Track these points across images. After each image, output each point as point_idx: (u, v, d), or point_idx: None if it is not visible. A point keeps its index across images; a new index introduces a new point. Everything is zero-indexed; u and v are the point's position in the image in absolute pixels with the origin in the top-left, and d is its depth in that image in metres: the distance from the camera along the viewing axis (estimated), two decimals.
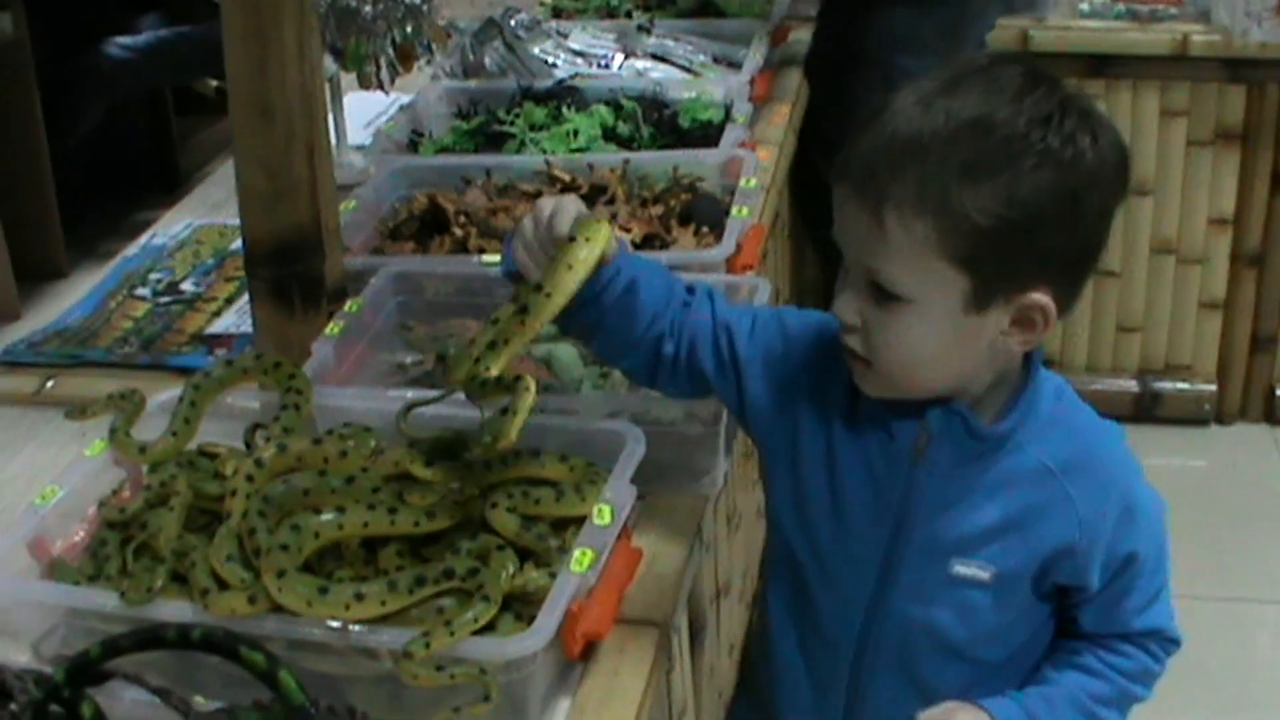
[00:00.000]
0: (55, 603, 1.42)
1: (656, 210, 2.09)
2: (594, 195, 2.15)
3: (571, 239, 1.42)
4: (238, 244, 2.34)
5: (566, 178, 2.20)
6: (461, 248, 2.03)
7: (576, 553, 1.36)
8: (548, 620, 1.29)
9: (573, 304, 1.43)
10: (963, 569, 1.41)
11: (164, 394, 1.65)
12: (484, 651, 1.29)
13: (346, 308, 1.83)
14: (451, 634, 1.28)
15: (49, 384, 2.01)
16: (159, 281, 2.28)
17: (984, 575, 1.40)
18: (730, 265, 1.92)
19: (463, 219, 2.06)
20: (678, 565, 1.53)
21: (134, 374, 1.95)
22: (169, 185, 2.75)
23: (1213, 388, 3.77)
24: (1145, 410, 3.71)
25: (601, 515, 1.41)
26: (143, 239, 2.45)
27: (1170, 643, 1.48)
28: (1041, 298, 1.30)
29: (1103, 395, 3.60)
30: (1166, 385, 3.76)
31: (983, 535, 1.40)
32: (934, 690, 1.47)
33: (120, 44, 2.77)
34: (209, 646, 1.18)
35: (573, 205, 1.46)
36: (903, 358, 1.33)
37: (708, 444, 1.66)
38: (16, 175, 2.30)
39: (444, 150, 2.43)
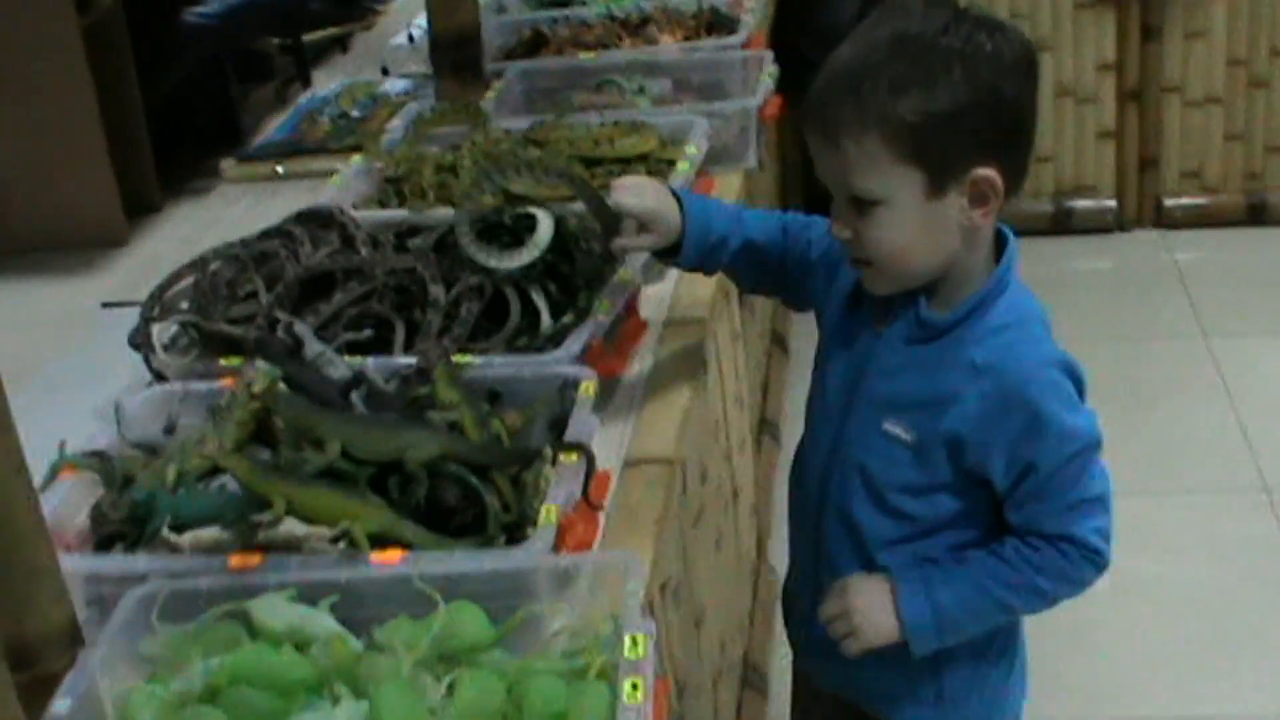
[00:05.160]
0: None
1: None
2: (644, 23, 3.07)
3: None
4: (383, 88, 3.25)
5: (621, 14, 3.12)
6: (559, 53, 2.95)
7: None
8: None
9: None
10: (890, 427, 1.60)
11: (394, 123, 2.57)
12: None
13: (495, 86, 2.75)
14: None
15: (279, 168, 2.91)
16: (334, 113, 3.18)
17: (906, 437, 1.59)
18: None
19: (556, 37, 2.99)
20: None
21: (344, 155, 2.82)
22: (232, 140, 3.05)
23: (1113, 203, 4.67)
24: (1061, 224, 4.65)
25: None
26: (305, 96, 3.35)
27: (1090, 551, 1.57)
28: (987, 172, 1.49)
29: (1026, 214, 4.51)
30: (1076, 203, 4.66)
31: (908, 404, 1.59)
32: (868, 533, 1.66)
33: (198, 11, 3.09)
34: None
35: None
36: (890, 249, 1.53)
37: None
38: (117, 125, 2.56)
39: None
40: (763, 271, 1.81)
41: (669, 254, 1.79)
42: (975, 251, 1.56)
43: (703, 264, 1.80)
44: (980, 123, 1.47)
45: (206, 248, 2.08)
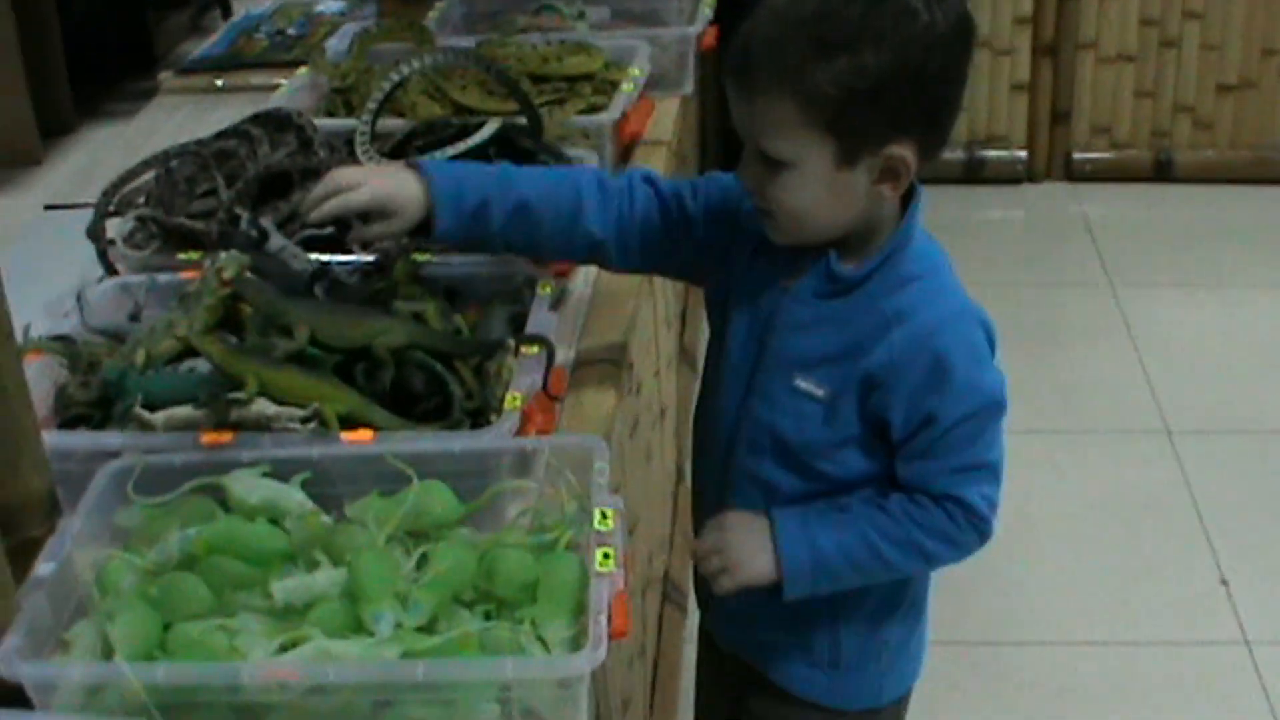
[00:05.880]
0: None
1: None
2: None
3: None
4: (318, 8, 3.27)
5: None
6: None
7: None
8: None
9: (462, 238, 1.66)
10: (802, 383, 1.55)
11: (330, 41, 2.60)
12: None
13: (436, 7, 2.78)
14: None
15: (218, 82, 2.92)
16: (270, 31, 3.19)
17: (819, 393, 1.54)
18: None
19: None
20: None
21: (283, 70, 2.84)
22: (144, 65, 3.09)
23: (1024, 154, 4.77)
24: (973, 173, 4.75)
25: None
26: (238, 15, 3.36)
27: (976, 516, 1.53)
28: (901, 150, 1.44)
29: (938, 162, 4.50)
30: (989, 153, 4.77)
31: (821, 359, 1.54)
32: (777, 491, 1.61)
33: None
34: None
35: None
36: (793, 209, 1.49)
37: None
38: (34, 45, 2.60)
39: None
40: (558, 235, 1.66)
41: (426, 231, 1.65)
42: (884, 210, 1.52)
43: (469, 234, 1.65)
44: (902, 99, 1.41)
45: (145, 155, 2.10)
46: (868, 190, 1.47)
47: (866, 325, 1.51)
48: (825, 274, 1.53)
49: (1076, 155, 4.76)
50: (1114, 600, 3.02)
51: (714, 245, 1.65)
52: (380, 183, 1.63)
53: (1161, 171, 4.74)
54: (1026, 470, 3.36)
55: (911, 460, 1.54)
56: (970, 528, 1.54)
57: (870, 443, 1.55)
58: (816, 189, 1.46)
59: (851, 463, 1.56)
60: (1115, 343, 3.92)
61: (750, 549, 1.58)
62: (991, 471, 1.54)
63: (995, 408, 1.53)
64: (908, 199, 1.54)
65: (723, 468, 1.66)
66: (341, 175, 1.65)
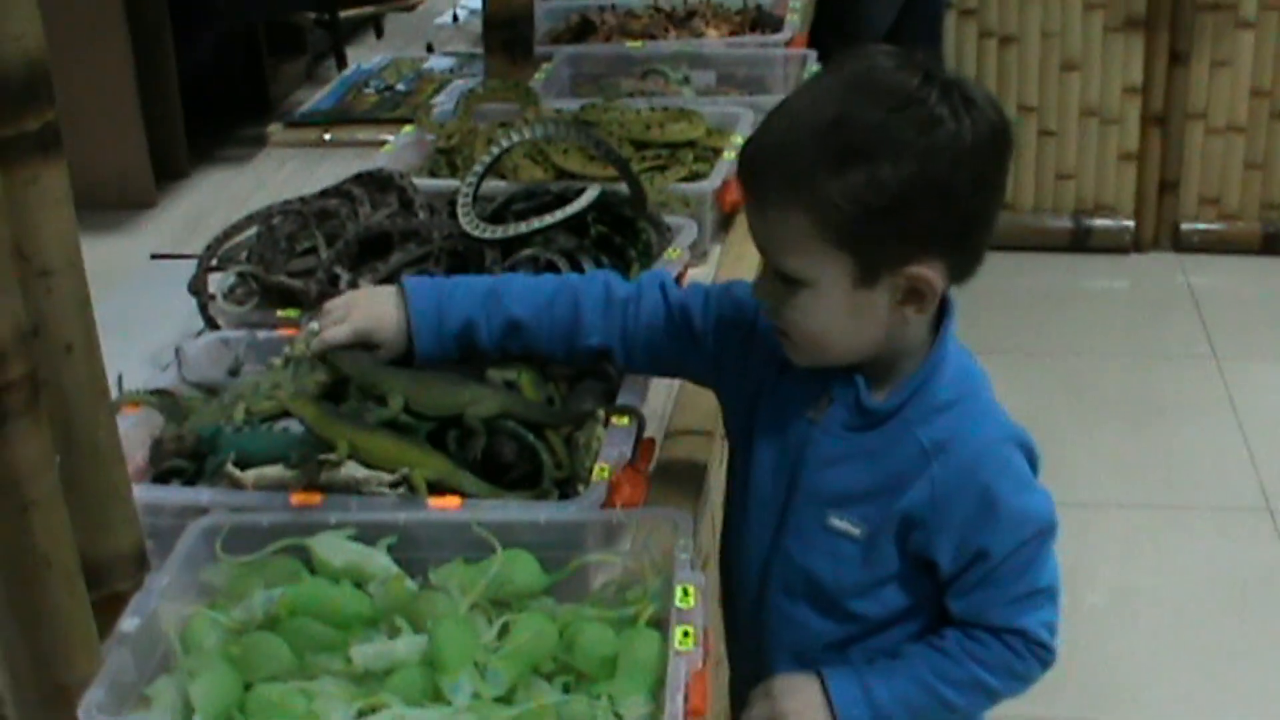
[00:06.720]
0: None
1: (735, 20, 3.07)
2: (690, 16, 3.12)
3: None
4: (427, 64, 3.31)
5: (668, 7, 3.17)
6: (606, 40, 3.01)
7: None
8: None
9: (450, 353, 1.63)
10: (837, 522, 1.47)
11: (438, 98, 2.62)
12: None
13: (543, 68, 2.80)
14: None
15: (326, 135, 2.96)
16: (379, 86, 3.23)
17: (855, 531, 1.47)
18: None
19: (604, 24, 3.04)
20: None
21: (390, 126, 2.88)
22: (259, 112, 3.09)
23: (1131, 223, 4.71)
24: (1080, 242, 4.71)
25: None
26: (350, 69, 3.40)
27: (1038, 646, 1.46)
28: (925, 270, 1.35)
29: (1044, 230, 4.64)
30: (1095, 222, 4.72)
31: (856, 496, 1.46)
32: (813, 635, 1.54)
33: None
34: None
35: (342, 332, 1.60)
36: (810, 331, 1.41)
37: None
38: (151, 89, 2.62)
39: None
40: (557, 348, 1.64)
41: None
42: (913, 330, 1.44)
43: (457, 354, 1.64)
44: (924, 215, 1.33)
45: (250, 208, 2.14)
46: (890, 312, 1.39)
47: (902, 458, 1.44)
48: (855, 406, 1.46)
49: (1184, 226, 4.70)
50: (1212, 681, 2.97)
51: (725, 359, 1.58)
52: (362, 314, 1.61)
53: (1270, 244, 4.68)
54: (1125, 545, 3.33)
55: (965, 594, 1.47)
56: (1033, 657, 1.47)
57: (911, 578, 1.49)
58: (834, 310, 1.38)
59: (891, 600, 1.50)
60: (1218, 417, 3.86)
61: (805, 715, 1.49)
62: (1049, 596, 1.47)
63: (1048, 531, 1.46)
64: (942, 316, 1.46)
65: (755, 607, 1.59)
66: (331, 304, 1.64)
